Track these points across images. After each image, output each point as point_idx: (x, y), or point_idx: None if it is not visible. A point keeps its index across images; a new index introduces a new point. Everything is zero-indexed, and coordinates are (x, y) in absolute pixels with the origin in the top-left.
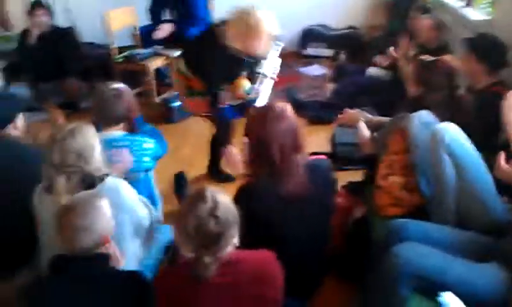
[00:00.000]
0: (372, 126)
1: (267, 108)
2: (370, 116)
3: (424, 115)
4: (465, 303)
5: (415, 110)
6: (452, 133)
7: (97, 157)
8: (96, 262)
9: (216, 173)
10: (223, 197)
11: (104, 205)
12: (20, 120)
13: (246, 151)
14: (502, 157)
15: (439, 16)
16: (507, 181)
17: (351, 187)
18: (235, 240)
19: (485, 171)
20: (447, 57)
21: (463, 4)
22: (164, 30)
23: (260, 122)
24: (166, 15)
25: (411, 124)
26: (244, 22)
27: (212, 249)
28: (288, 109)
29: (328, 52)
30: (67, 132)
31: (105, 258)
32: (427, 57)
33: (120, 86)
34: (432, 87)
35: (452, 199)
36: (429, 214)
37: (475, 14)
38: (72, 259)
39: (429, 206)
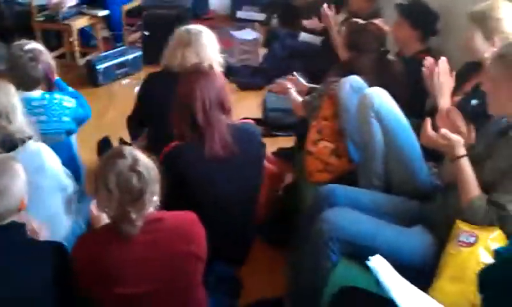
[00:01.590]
0: (304, 91)
1: (194, 66)
2: (302, 81)
3: (355, 80)
4: (393, 267)
5: (346, 74)
6: (381, 98)
7: (19, 117)
8: (11, 231)
9: None
10: (142, 155)
11: (20, 168)
12: None
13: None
14: (428, 123)
15: None
16: (432, 147)
17: (282, 153)
18: (157, 198)
19: (413, 136)
20: (378, 21)
21: None
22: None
23: (185, 80)
24: None
25: (341, 89)
26: None
27: (136, 205)
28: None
29: (260, 16)
30: None
31: (21, 227)
32: (357, 21)
33: (36, 46)
34: (361, 50)
35: (380, 164)
36: (357, 180)
37: None
38: None
39: (357, 172)
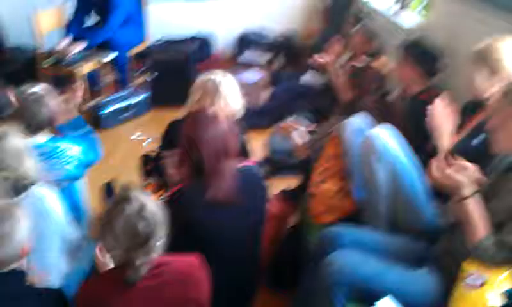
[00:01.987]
0: (307, 132)
1: (199, 112)
2: (306, 122)
3: (357, 121)
4: None
5: (347, 115)
6: (384, 139)
7: (25, 162)
8: (11, 279)
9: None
10: (149, 199)
11: (23, 215)
12: None
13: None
14: (433, 163)
15: (372, 24)
16: (438, 187)
17: (286, 194)
18: (163, 242)
19: (418, 175)
20: (381, 60)
21: (398, 7)
22: (75, 48)
23: (192, 124)
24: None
25: (344, 130)
26: None
27: (142, 250)
28: (221, 114)
29: (264, 58)
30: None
31: (21, 274)
32: (359, 62)
33: (41, 89)
34: (363, 91)
35: (384, 204)
36: (362, 220)
37: (411, 18)
38: None
39: (362, 212)
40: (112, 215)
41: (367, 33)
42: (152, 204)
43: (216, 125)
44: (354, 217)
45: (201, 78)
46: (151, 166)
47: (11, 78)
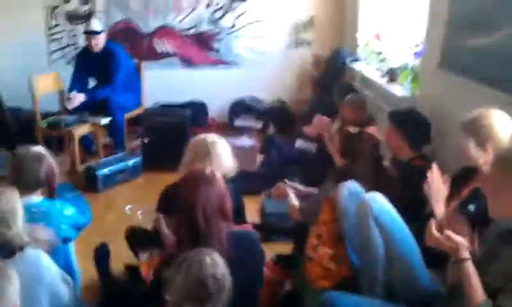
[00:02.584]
0: (301, 196)
1: (196, 172)
2: (299, 186)
3: (353, 185)
4: None
5: (342, 180)
6: (380, 203)
7: (19, 223)
8: None
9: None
10: (222, 261)
11: (13, 274)
12: None
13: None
14: (432, 224)
15: (363, 93)
16: (439, 248)
17: (280, 259)
18: None
19: (413, 241)
20: (371, 129)
21: (385, 80)
22: (76, 100)
23: (188, 185)
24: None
25: (340, 194)
26: None
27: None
28: (217, 175)
29: (257, 124)
30: None
31: None
32: (352, 129)
33: (39, 149)
34: (357, 158)
35: (381, 270)
36: (359, 286)
37: (399, 90)
38: None
39: (358, 278)
40: (187, 268)
41: (358, 106)
42: (224, 268)
43: (212, 186)
44: (351, 282)
45: (194, 139)
46: (142, 240)
47: (9, 138)
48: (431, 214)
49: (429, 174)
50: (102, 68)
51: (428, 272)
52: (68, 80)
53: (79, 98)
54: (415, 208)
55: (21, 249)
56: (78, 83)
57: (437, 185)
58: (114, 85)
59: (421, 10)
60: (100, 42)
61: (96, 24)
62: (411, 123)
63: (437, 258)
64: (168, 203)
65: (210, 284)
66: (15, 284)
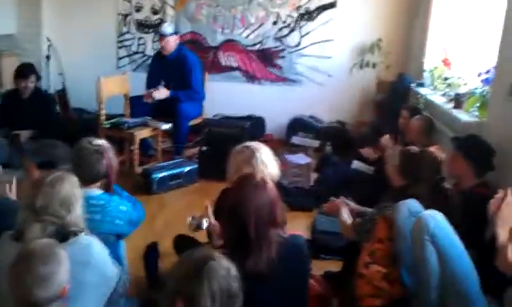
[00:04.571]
0: (354, 214)
1: (248, 177)
2: (353, 204)
3: (412, 204)
4: None
5: (399, 201)
6: (437, 221)
7: (78, 210)
8: None
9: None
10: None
11: (64, 256)
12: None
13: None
14: (509, 248)
15: (431, 116)
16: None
17: (329, 276)
18: None
19: (470, 265)
20: (434, 147)
21: (451, 106)
22: (161, 93)
23: (239, 190)
24: None
25: (398, 212)
26: None
27: None
28: (268, 180)
29: (314, 143)
30: (55, 177)
31: None
32: (414, 148)
33: (102, 142)
34: (417, 178)
35: (434, 291)
36: None
37: (465, 117)
38: None
39: (410, 299)
40: (214, 272)
41: (426, 125)
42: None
43: (263, 191)
44: (403, 304)
45: (236, 147)
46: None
47: (73, 136)
48: (492, 240)
49: (497, 198)
50: (175, 72)
51: (485, 299)
52: (133, 86)
53: (164, 92)
54: (474, 235)
55: (75, 234)
56: (152, 86)
57: (508, 210)
58: (193, 89)
59: (493, 36)
60: (170, 45)
61: (167, 27)
62: (478, 150)
63: (496, 285)
64: (222, 207)
65: (234, 288)
66: (65, 266)
